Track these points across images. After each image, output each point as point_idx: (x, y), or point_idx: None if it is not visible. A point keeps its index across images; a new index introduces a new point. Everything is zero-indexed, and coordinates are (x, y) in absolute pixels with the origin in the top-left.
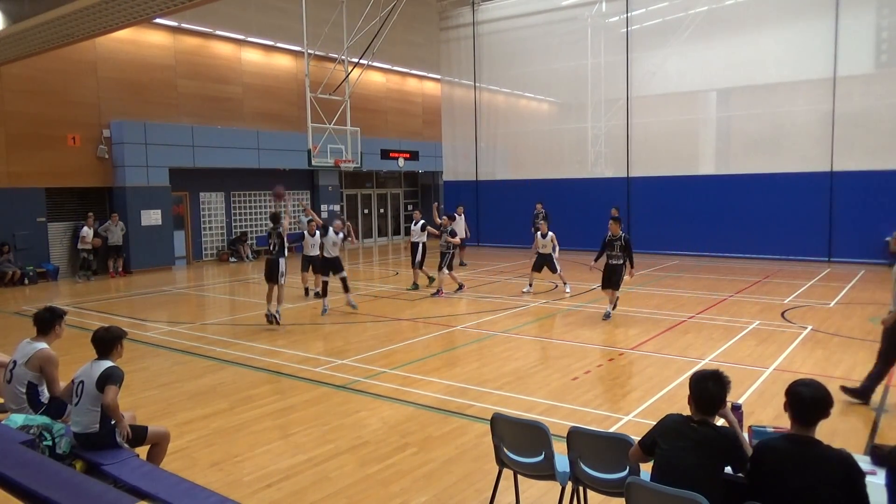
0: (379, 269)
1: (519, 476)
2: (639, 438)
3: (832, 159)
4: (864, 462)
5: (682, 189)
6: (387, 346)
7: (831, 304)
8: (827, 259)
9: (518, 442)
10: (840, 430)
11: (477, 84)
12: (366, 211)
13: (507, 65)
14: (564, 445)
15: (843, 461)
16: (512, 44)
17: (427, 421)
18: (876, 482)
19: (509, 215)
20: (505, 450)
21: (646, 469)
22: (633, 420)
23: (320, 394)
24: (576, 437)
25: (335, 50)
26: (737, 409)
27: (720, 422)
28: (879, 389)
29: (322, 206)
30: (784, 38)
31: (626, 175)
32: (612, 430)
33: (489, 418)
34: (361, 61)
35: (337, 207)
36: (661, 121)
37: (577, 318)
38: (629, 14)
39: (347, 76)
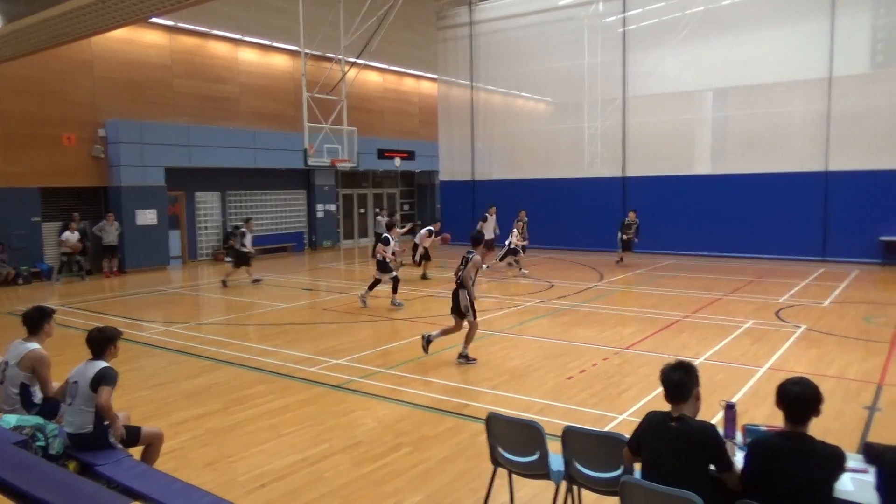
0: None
1: (513, 475)
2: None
3: (827, 159)
4: (857, 460)
5: (679, 188)
6: (382, 345)
7: (825, 304)
8: (821, 258)
9: (513, 441)
10: (833, 429)
11: (474, 84)
12: (361, 210)
13: (503, 64)
14: (559, 444)
15: (836, 457)
16: (509, 43)
17: (422, 420)
18: (868, 480)
19: (506, 215)
20: (500, 449)
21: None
22: (628, 419)
23: (315, 394)
24: (570, 437)
25: (332, 50)
26: (730, 407)
27: (717, 418)
28: (872, 388)
29: (318, 206)
30: (780, 38)
31: (622, 175)
32: (606, 429)
33: (484, 418)
34: (358, 61)
35: (333, 207)
36: (658, 120)
37: (573, 317)
38: (626, 14)
39: (344, 76)
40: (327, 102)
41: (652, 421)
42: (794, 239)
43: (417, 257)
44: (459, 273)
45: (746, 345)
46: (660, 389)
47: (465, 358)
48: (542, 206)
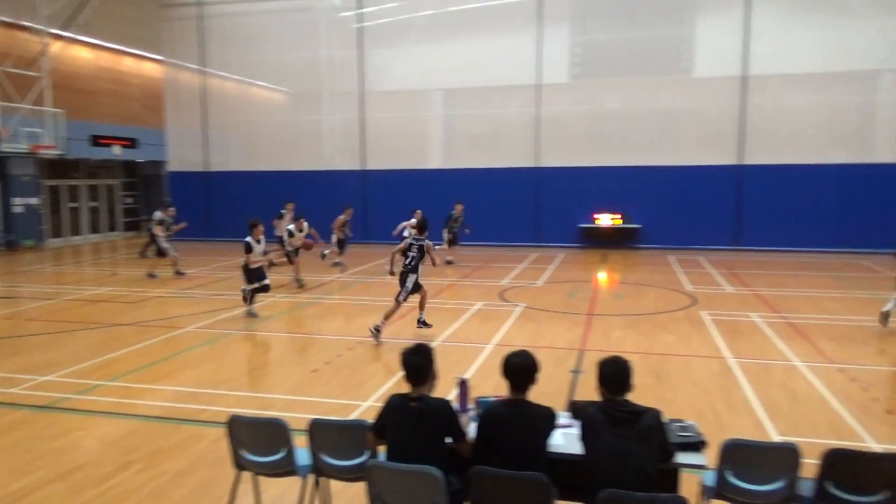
0: (93, 269)
1: (259, 476)
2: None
3: (538, 156)
4: (565, 417)
5: (414, 182)
6: (104, 355)
7: (539, 284)
8: (534, 244)
9: (257, 442)
10: (547, 393)
11: (205, 68)
12: (73, 204)
13: (238, 50)
14: (306, 439)
15: (549, 417)
16: (243, 29)
17: (154, 433)
18: (574, 433)
19: (244, 208)
20: (243, 452)
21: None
22: (373, 405)
23: (18, 418)
24: (316, 429)
25: (29, 18)
26: (463, 383)
27: (453, 394)
28: (576, 354)
29: (15, 200)
30: (498, 47)
31: (361, 168)
32: (352, 417)
33: (225, 421)
34: (64, 33)
35: (35, 201)
36: (394, 116)
37: (317, 310)
38: (362, 11)
39: (45, 49)
40: (25, 79)
41: (393, 403)
42: (513, 227)
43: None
44: (412, 259)
45: (477, 324)
46: (401, 373)
47: (423, 323)
48: (283, 199)
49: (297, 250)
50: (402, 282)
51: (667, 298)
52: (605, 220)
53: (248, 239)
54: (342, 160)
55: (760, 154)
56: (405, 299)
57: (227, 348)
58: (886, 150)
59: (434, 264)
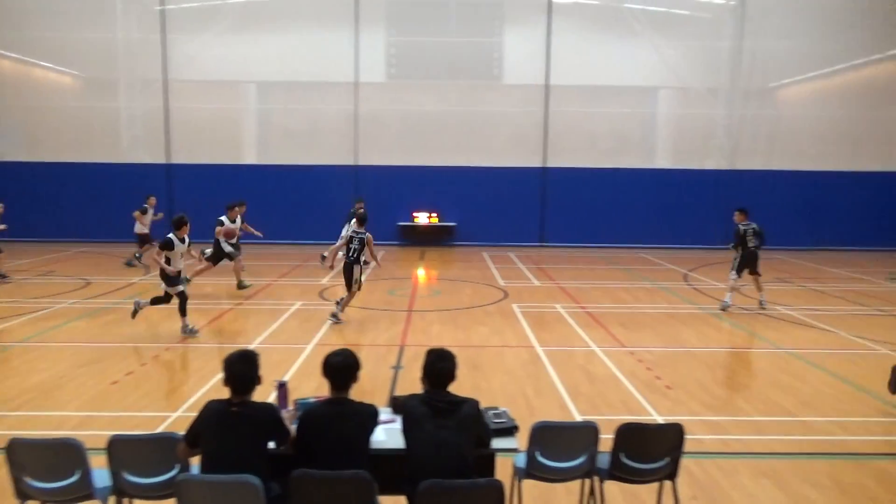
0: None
1: None
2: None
3: (357, 154)
4: (387, 413)
5: (226, 177)
6: None
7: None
8: None
9: (45, 467)
10: (369, 390)
11: None
12: None
13: (15, 25)
14: (104, 458)
15: (371, 414)
16: (20, 1)
17: None
18: (396, 427)
19: (24, 204)
20: (27, 479)
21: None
22: (184, 415)
23: None
24: (116, 446)
25: None
26: (282, 386)
27: (271, 397)
28: (396, 350)
29: None
30: (315, 42)
31: (166, 161)
32: (161, 429)
33: (4, 446)
34: None
35: None
36: (204, 107)
37: (115, 316)
38: None
39: None
40: None
41: (211, 410)
42: (331, 225)
43: (210, 254)
44: (353, 251)
45: (295, 325)
46: (216, 379)
47: (336, 318)
48: (75, 194)
49: (234, 248)
50: (349, 274)
51: (481, 293)
52: (422, 218)
53: (171, 236)
54: (144, 153)
55: (561, 157)
56: (359, 288)
57: (7, 363)
58: (664, 156)
59: (372, 257)
